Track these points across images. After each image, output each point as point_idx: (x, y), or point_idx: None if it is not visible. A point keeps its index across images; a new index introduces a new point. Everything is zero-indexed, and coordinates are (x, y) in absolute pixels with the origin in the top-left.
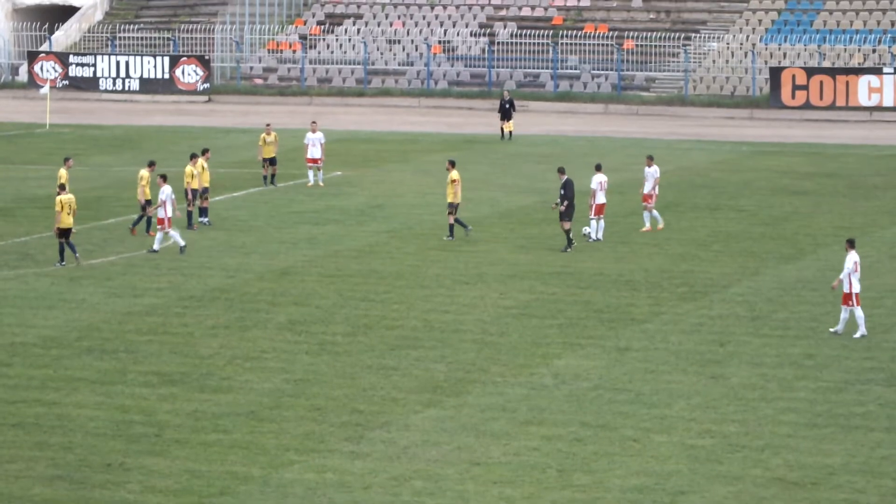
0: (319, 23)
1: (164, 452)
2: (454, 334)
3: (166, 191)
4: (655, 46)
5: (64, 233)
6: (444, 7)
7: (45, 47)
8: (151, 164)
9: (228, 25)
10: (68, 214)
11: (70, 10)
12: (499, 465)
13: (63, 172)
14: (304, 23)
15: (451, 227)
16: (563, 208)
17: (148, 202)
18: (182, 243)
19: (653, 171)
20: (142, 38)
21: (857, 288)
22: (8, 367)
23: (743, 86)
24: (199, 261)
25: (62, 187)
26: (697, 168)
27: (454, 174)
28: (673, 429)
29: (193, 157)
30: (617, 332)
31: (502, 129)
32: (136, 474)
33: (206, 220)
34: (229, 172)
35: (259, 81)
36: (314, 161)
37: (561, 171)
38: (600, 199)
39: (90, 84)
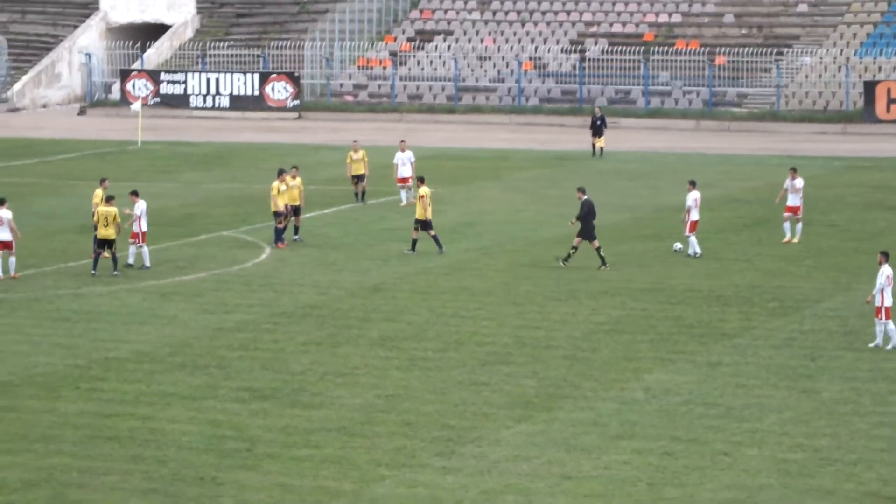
0: (409, 39)
1: (257, 467)
2: (545, 350)
3: (140, 206)
4: (747, 62)
5: (104, 244)
6: (535, 24)
7: (137, 65)
8: (103, 181)
9: (318, 42)
10: (105, 227)
11: (162, 29)
12: (589, 478)
13: (99, 192)
14: (395, 39)
15: (414, 242)
16: (571, 224)
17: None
18: (147, 264)
19: (796, 184)
20: (232, 56)
21: (888, 302)
22: (103, 382)
23: (836, 100)
24: (291, 277)
25: (108, 199)
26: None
27: (423, 189)
28: (764, 443)
29: (280, 173)
30: (708, 347)
31: (593, 146)
32: (229, 488)
33: (297, 237)
34: (319, 189)
35: (349, 98)
36: (404, 181)
37: (581, 190)
38: (694, 216)
39: (181, 101)
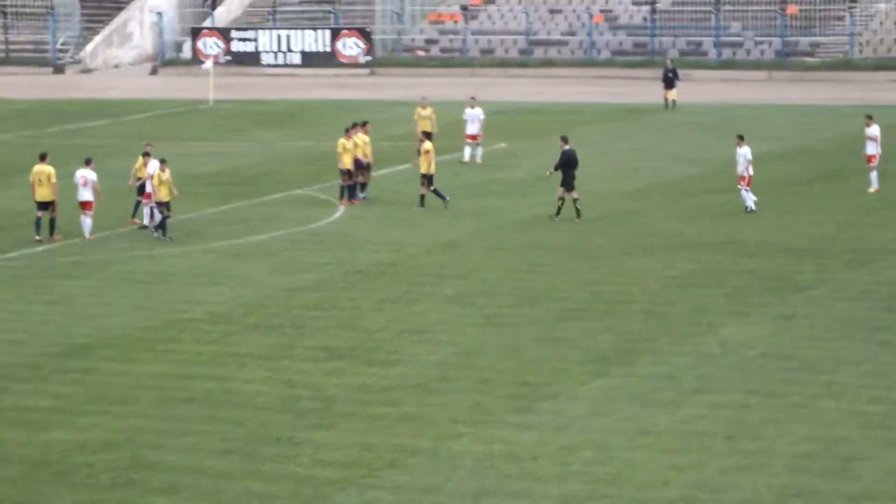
0: None
1: (333, 426)
2: (620, 305)
3: (153, 166)
4: (820, 10)
5: (43, 206)
6: None
7: (207, 23)
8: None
9: None
10: (40, 186)
11: None
12: (667, 433)
13: (141, 159)
14: None
15: (422, 197)
16: (549, 175)
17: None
18: (146, 222)
19: (873, 131)
20: (302, 12)
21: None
22: (178, 343)
23: None
24: (365, 235)
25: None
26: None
27: (427, 145)
28: (841, 395)
29: (348, 130)
30: (782, 300)
31: (666, 98)
32: (306, 448)
33: (363, 195)
34: (393, 146)
35: (421, 53)
36: (473, 137)
37: (563, 139)
38: (748, 170)
39: (252, 59)
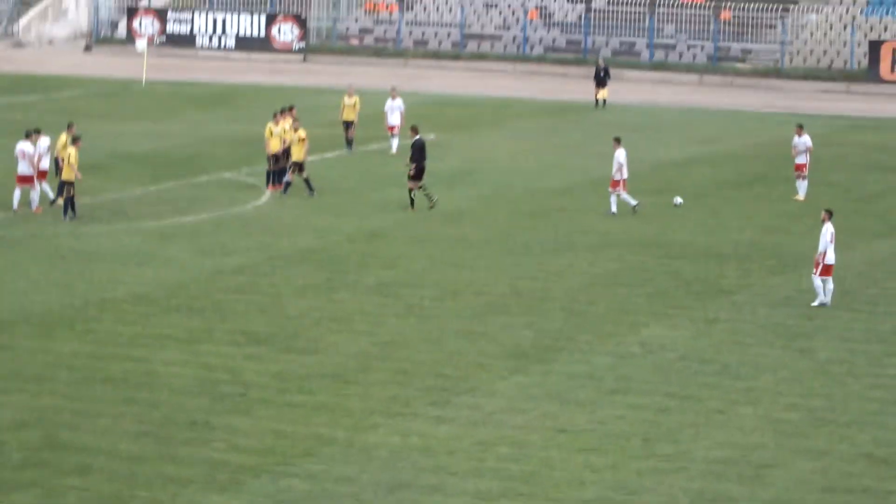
0: None
1: (250, 412)
2: (542, 302)
3: (43, 144)
4: (753, 17)
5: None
6: None
7: (143, 3)
8: (70, 126)
9: None
10: None
11: None
12: (584, 432)
13: (63, 137)
14: None
15: (287, 184)
16: (412, 172)
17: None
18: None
19: (804, 140)
20: None
21: (830, 259)
22: (98, 323)
23: (841, 59)
24: (290, 221)
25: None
26: (791, 141)
27: (302, 132)
28: (759, 401)
29: (276, 115)
30: (705, 304)
31: (596, 97)
32: (221, 433)
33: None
34: (323, 133)
35: (355, 42)
36: (391, 129)
37: (413, 129)
38: (622, 174)
39: (187, 41)
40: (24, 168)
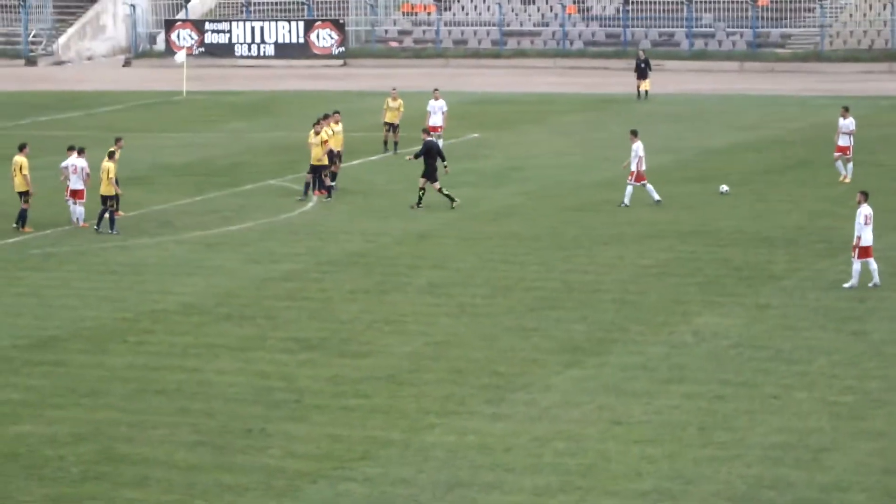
0: None
1: (305, 418)
2: (594, 294)
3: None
4: (791, 2)
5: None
6: None
7: (181, 15)
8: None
9: None
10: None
11: None
12: (640, 424)
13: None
14: None
15: (330, 188)
16: (409, 159)
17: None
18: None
19: (847, 123)
20: (276, 4)
21: (867, 241)
22: (150, 335)
23: (882, 39)
24: (338, 225)
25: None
26: (834, 124)
27: (324, 135)
28: (814, 385)
29: (319, 121)
30: (756, 290)
31: (638, 89)
32: (278, 440)
33: (333, 184)
34: (366, 136)
35: (394, 44)
36: (434, 129)
37: (425, 131)
38: (640, 165)
39: (226, 51)
40: (75, 183)
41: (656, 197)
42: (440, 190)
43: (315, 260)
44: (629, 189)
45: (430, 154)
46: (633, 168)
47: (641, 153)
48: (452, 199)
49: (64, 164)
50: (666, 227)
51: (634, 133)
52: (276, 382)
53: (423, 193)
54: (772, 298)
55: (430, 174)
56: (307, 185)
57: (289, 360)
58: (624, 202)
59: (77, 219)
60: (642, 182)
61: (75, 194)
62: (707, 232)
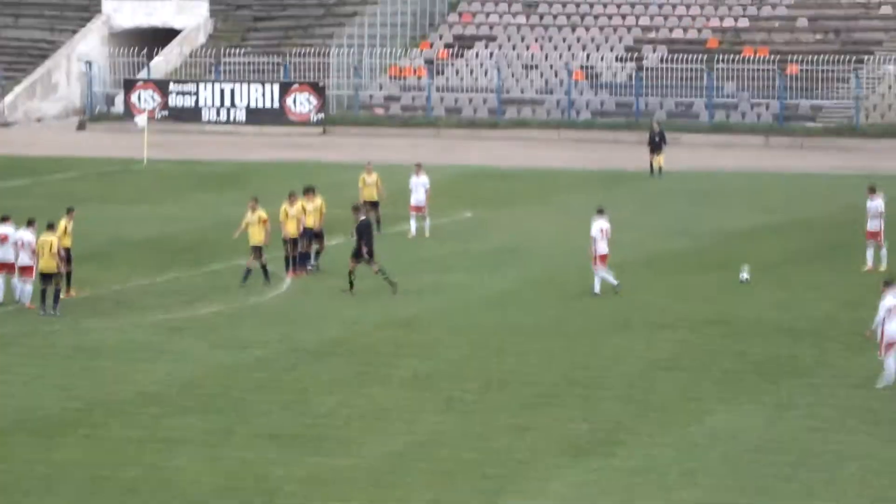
0: (447, 45)
1: None
2: (597, 390)
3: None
4: (823, 71)
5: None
6: (587, 29)
7: (142, 75)
8: (70, 211)
9: (345, 49)
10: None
11: (170, 34)
12: None
13: (63, 223)
14: (431, 45)
15: (248, 271)
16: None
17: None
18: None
19: (876, 205)
20: (249, 64)
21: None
22: (104, 428)
23: None
24: (314, 310)
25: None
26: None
27: (263, 213)
28: (843, 495)
29: (292, 195)
30: (778, 387)
31: (652, 164)
32: None
33: (314, 264)
34: (346, 213)
35: (380, 111)
36: (418, 209)
37: (355, 209)
38: (602, 248)
39: (192, 115)
40: (24, 259)
41: (613, 282)
42: (378, 272)
43: (289, 347)
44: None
45: (362, 234)
46: (600, 251)
47: (595, 234)
48: (392, 284)
49: (12, 238)
50: (678, 317)
51: (601, 212)
52: (244, 482)
53: (352, 277)
54: (795, 396)
55: (358, 254)
56: (249, 270)
57: (258, 457)
58: (595, 289)
59: (21, 298)
60: (596, 267)
61: (23, 271)
62: (724, 322)
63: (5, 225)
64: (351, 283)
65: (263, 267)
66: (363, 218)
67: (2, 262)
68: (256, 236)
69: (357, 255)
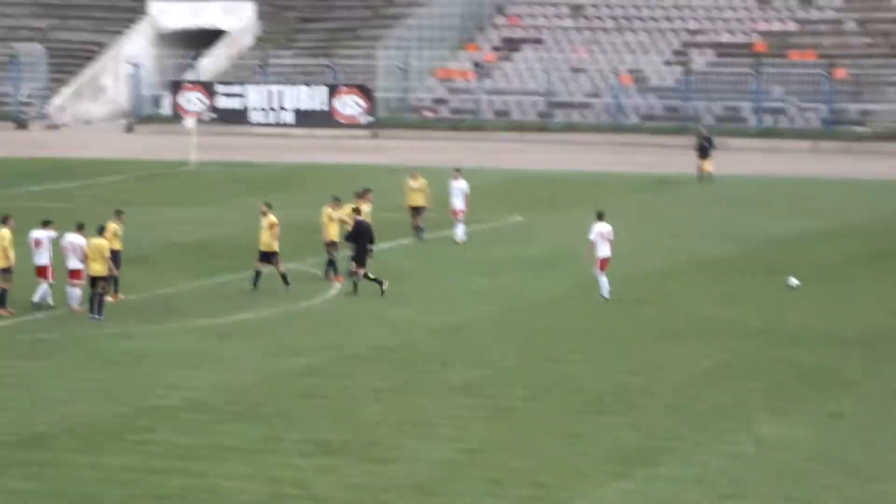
0: (495, 48)
1: None
2: (646, 398)
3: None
4: (872, 75)
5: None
6: (635, 32)
7: (190, 76)
8: (120, 214)
9: (393, 51)
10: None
11: (217, 35)
12: None
13: (112, 226)
14: (478, 48)
15: (257, 274)
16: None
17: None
18: (50, 302)
19: None
20: (297, 66)
21: None
22: (152, 433)
23: None
24: (363, 316)
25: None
26: None
27: (272, 217)
28: None
29: (336, 199)
30: (827, 396)
31: (700, 169)
32: None
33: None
34: (394, 217)
35: (428, 114)
36: (455, 214)
37: (356, 210)
38: (603, 252)
39: (239, 117)
40: (74, 263)
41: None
42: (366, 275)
43: (337, 354)
44: (601, 280)
45: (360, 236)
46: (601, 254)
47: (593, 237)
48: (381, 284)
49: (62, 241)
50: (727, 324)
51: (600, 216)
52: (290, 489)
53: (357, 279)
54: (846, 406)
55: (359, 258)
56: (258, 273)
57: (305, 464)
58: (603, 294)
59: (73, 302)
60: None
61: (72, 275)
62: (773, 330)
63: (43, 230)
64: (355, 286)
65: (283, 275)
66: (359, 219)
67: (39, 266)
68: (266, 242)
69: (357, 258)
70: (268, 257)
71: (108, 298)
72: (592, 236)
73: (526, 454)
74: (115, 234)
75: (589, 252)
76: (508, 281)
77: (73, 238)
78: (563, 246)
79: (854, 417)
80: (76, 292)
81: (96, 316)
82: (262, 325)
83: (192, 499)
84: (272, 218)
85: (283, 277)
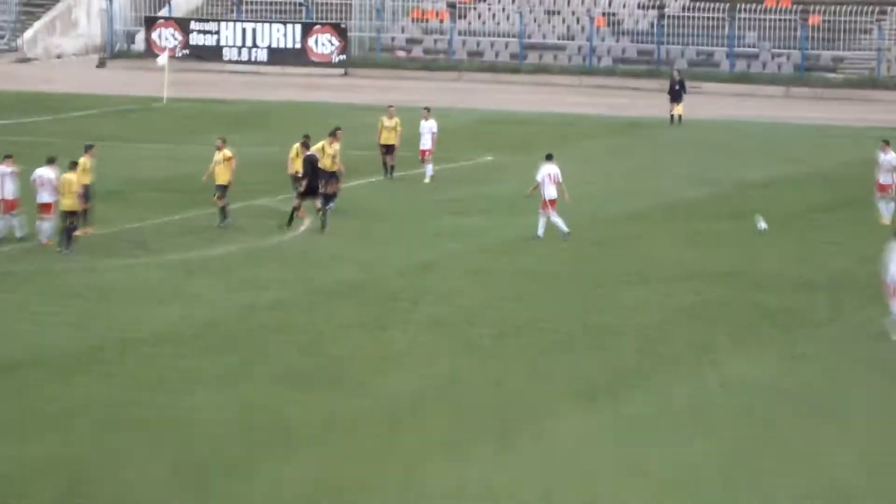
0: None
1: (293, 457)
2: (613, 338)
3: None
4: (845, 22)
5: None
6: None
7: (164, 12)
8: (89, 148)
9: None
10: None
11: None
12: (658, 475)
13: (83, 160)
14: None
15: (224, 209)
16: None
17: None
18: (18, 234)
19: (889, 159)
20: (271, 4)
21: None
22: (118, 366)
23: None
24: (332, 252)
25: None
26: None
27: (228, 152)
28: (853, 442)
29: (306, 138)
30: (793, 338)
31: (671, 113)
32: (261, 481)
33: (331, 206)
34: (365, 155)
35: (402, 54)
36: (423, 154)
37: (304, 144)
38: (549, 193)
39: (213, 54)
40: (44, 196)
41: (563, 229)
42: (319, 210)
43: (306, 289)
44: (548, 220)
45: (307, 170)
46: (547, 196)
47: (540, 178)
48: (290, 222)
49: (33, 175)
50: (695, 267)
51: (549, 157)
52: (259, 421)
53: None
54: (810, 347)
55: (311, 190)
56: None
57: (274, 397)
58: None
59: (42, 236)
60: (546, 212)
61: (43, 209)
62: (741, 273)
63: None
64: (290, 219)
65: (222, 209)
66: (308, 153)
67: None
68: (222, 176)
69: (304, 193)
70: (224, 190)
71: (77, 232)
72: (539, 177)
73: (492, 389)
74: (85, 169)
75: (532, 190)
76: (476, 220)
77: (44, 172)
78: (533, 186)
79: (819, 358)
80: (45, 226)
81: (66, 250)
82: (230, 261)
83: (159, 430)
84: (227, 152)
85: (223, 211)
